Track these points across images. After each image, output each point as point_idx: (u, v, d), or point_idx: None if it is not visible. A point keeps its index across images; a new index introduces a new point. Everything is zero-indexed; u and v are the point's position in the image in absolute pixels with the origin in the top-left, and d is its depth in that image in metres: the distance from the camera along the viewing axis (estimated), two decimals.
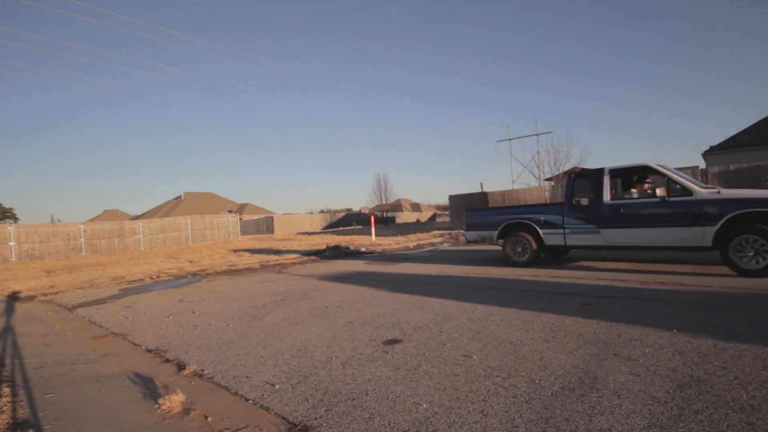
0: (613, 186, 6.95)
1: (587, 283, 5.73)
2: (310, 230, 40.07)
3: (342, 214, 49.65)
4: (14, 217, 49.38)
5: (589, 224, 6.88)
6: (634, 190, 6.88)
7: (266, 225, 41.12)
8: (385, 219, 47.85)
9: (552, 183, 22.47)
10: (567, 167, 25.40)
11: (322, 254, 13.14)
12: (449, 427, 2.10)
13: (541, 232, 7.51)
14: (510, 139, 27.29)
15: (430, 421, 2.17)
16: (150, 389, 2.88)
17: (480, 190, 21.07)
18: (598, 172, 6.94)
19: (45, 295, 7.72)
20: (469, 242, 8.97)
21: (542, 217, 7.50)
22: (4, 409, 2.53)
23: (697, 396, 2.25)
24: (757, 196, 5.50)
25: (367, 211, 43.84)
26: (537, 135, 26.27)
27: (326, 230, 39.66)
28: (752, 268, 5.34)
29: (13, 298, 7.68)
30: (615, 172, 6.92)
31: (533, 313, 4.28)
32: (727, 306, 4.12)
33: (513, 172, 27.14)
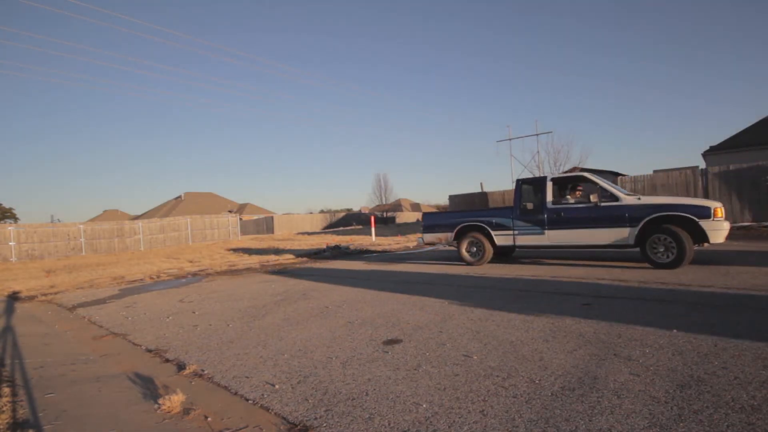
0: (554, 192, 7.79)
1: (587, 283, 5.73)
2: (310, 230, 40.07)
3: (342, 214, 49.64)
4: (14, 217, 49.38)
5: (536, 226, 7.70)
6: (569, 196, 7.80)
7: (266, 225, 41.13)
8: (385, 219, 47.85)
9: None
10: (567, 167, 25.39)
11: (322, 254, 13.14)
12: (449, 427, 2.10)
13: (493, 233, 8.21)
14: (510, 139, 27.28)
15: (430, 421, 2.17)
16: (150, 389, 2.88)
17: (480, 190, 21.06)
18: (542, 180, 7.84)
19: (45, 295, 7.73)
20: (426, 244, 9.60)
21: (494, 220, 8.22)
22: (4, 409, 2.53)
23: (697, 396, 2.25)
24: (668, 202, 6.63)
25: (367, 211, 43.89)
26: (537, 135, 26.23)
27: (326, 230, 39.66)
28: (663, 262, 6.49)
29: (13, 298, 7.69)
30: (555, 180, 7.85)
31: (533, 313, 4.28)
32: (727, 306, 4.12)
33: (513, 172, 27.09)
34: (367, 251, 13.47)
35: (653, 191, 15.47)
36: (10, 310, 6.23)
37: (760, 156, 16.25)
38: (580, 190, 7.87)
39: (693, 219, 6.37)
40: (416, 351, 3.32)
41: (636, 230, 6.68)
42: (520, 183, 8.18)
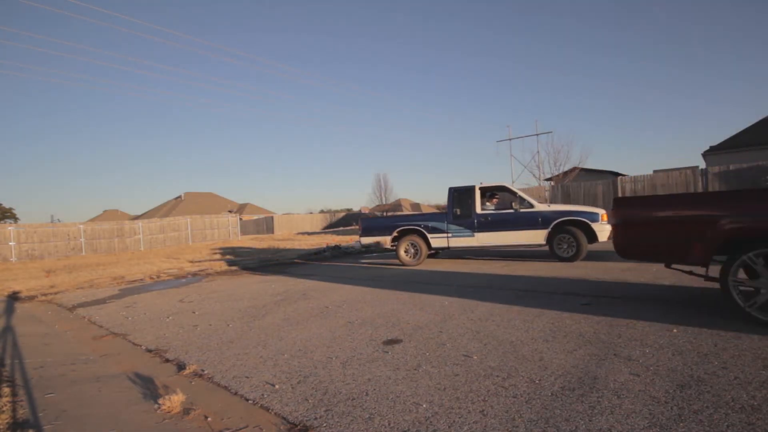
0: (482, 200, 8.97)
1: (587, 283, 5.73)
2: (310, 230, 40.06)
3: (342, 214, 49.61)
4: (14, 217, 49.36)
5: (467, 229, 8.77)
6: (489, 203, 9.12)
7: (266, 225, 41.11)
8: None
9: (552, 183, 22.45)
10: (567, 167, 25.36)
11: (322, 254, 13.14)
12: (449, 427, 2.10)
13: (429, 236, 9.05)
14: (510, 139, 27.30)
15: (430, 421, 2.17)
16: (150, 389, 2.88)
17: None
18: (471, 189, 8.91)
19: (45, 295, 7.73)
20: (363, 246, 10.22)
21: (430, 224, 9.03)
22: (4, 409, 2.54)
23: (697, 396, 2.25)
24: (570, 209, 8.27)
25: (367, 211, 43.85)
26: (537, 135, 26.26)
27: (326, 230, 39.65)
28: (566, 256, 8.05)
29: (13, 298, 7.69)
30: (483, 189, 8.99)
31: (533, 313, 4.28)
32: (727, 306, 4.11)
33: (513, 172, 27.13)
34: (367, 251, 13.47)
35: (653, 191, 15.48)
36: (10, 310, 6.23)
37: (760, 156, 16.25)
38: (497, 198, 9.35)
39: (587, 222, 7.96)
40: (416, 351, 3.32)
41: (546, 232, 8.17)
42: (453, 191, 9.12)
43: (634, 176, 16.07)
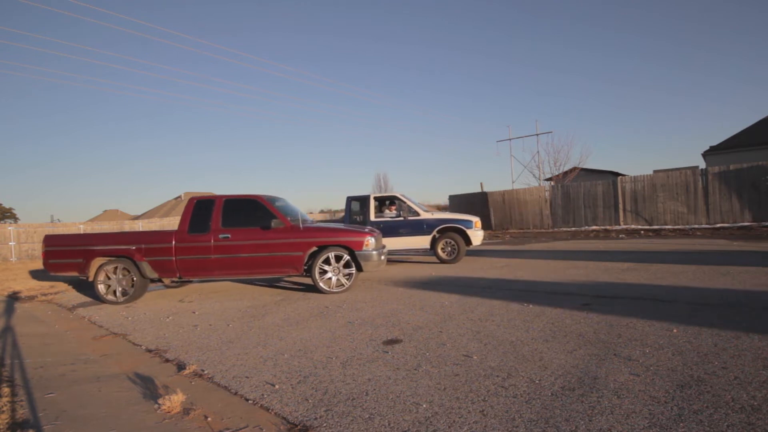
0: (376, 208, 9.57)
1: (587, 283, 5.73)
2: None
3: (342, 214, 49.63)
4: (14, 217, 49.33)
5: None
6: (387, 210, 9.68)
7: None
8: None
9: (552, 183, 22.45)
10: (567, 167, 25.33)
11: None
12: (449, 427, 2.10)
13: None
14: (510, 139, 27.28)
15: (430, 421, 2.17)
16: (150, 389, 2.88)
17: (480, 190, 21.07)
18: (366, 198, 9.55)
19: (45, 295, 7.72)
20: None
21: None
22: (4, 409, 2.54)
23: (697, 396, 2.25)
24: (449, 217, 9.23)
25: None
26: (537, 135, 26.21)
27: None
28: (447, 259, 9.08)
29: (13, 298, 7.68)
30: (377, 198, 9.66)
31: (533, 313, 4.28)
32: (727, 306, 4.12)
33: (513, 172, 27.05)
34: None
35: (653, 191, 15.49)
36: (10, 310, 6.23)
37: (760, 156, 16.25)
38: (393, 207, 9.74)
39: (463, 229, 8.96)
40: (416, 351, 3.32)
41: (430, 237, 9.09)
42: (350, 200, 9.77)
43: (634, 176, 16.07)
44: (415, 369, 2.93)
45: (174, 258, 6.22)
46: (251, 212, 6.31)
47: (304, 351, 3.51)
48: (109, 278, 6.32)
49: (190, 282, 7.95)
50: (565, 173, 25.18)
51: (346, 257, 6.13)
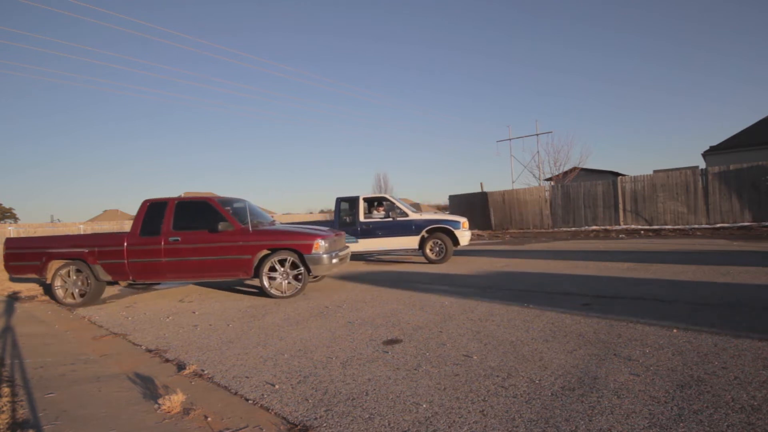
0: (365, 209, 9.63)
1: (587, 283, 5.73)
2: None
3: None
4: (14, 217, 49.37)
5: (351, 236, 9.27)
6: (375, 211, 9.78)
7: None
8: None
9: (552, 183, 22.45)
10: (567, 167, 25.31)
11: None
12: (449, 427, 2.10)
13: None
14: (510, 139, 27.26)
15: (430, 421, 2.17)
16: (150, 389, 2.88)
17: (480, 190, 21.07)
18: (355, 199, 9.59)
19: (45, 295, 7.72)
20: None
21: None
22: (4, 409, 2.54)
23: (697, 396, 2.25)
24: (437, 218, 9.49)
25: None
26: (537, 135, 26.19)
27: None
28: (436, 259, 9.16)
29: (13, 298, 7.67)
30: (365, 199, 9.69)
31: (533, 313, 4.28)
32: (727, 306, 4.12)
33: (513, 172, 27.02)
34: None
35: (653, 191, 15.49)
36: (10, 310, 6.22)
37: (760, 156, 16.24)
38: (382, 208, 9.80)
39: (451, 229, 9.05)
40: (416, 351, 3.32)
41: (419, 238, 9.17)
42: (339, 201, 9.80)
43: (634, 176, 16.08)
44: (415, 369, 2.93)
45: (126, 261, 6.19)
46: (203, 215, 6.26)
47: (304, 351, 3.52)
48: (65, 281, 6.36)
49: (157, 285, 7.86)
50: (565, 173, 25.17)
51: (293, 260, 5.99)
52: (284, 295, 5.97)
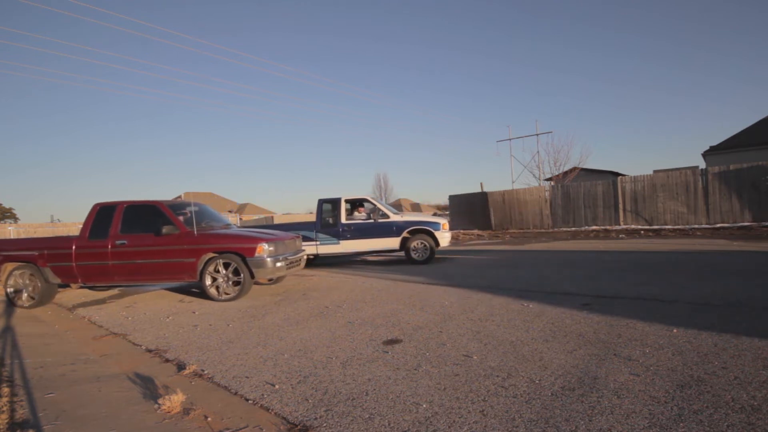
0: (347, 210, 9.65)
1: (587, 283, 5.73)
2: None
3: None
4: (14, 217, 49.32)
5: (333, 238, 9.49)
6: (357, 213, 9.74)
7: (266, 225, 41.04)
8: None
9: (552, 183, 22.45)
10: (567, 167, 25.32)
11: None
12: (449, 427, 2.10)
13: None
14: (510, 139, 27.26)
15: (430, 421, 2.17)
16: (150, 389, 2.88)
17: (480, 190, 21.07)
18: (337, 201, 9.63)
19: None
20: None
21: (301, 233, 9.13)
22: (4, 409, 2.54)
23: (697, 396, 2.25)
24: (418, 219, 9.57)
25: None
26: (537, 135, 26.19)
27: None
28: (419, 259, 9.22)
29: None
30: (347, 201, 9.72)
31: (533, 313, 4.28)
32: (727, 306, 4.12)
33: (513, 172, 27.03)
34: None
35: (653, 191, 15.50)
36: (10, 310, 6.23)
37: (760, 156, 16.25)
38: (362, 208, 9.83)
39: (431, 231, 9.14)
40: (416, 351, 3.32)
41: (400, 239, 9.23)
42: (321, 202, 9.83)
43: (634, 176, 16.08)
44: (415, 369, 2.93)
45: (74, 264, 6.24)
46: (150, 218, 6.28)
47: (304, 351, 3.52)
48: (17, 283, 6.43)
49: (112, 287, 7.79)
50: (565, 173, 25.17)
51: (234, 265, 5.96)
52: (224, 298, 5.99)
